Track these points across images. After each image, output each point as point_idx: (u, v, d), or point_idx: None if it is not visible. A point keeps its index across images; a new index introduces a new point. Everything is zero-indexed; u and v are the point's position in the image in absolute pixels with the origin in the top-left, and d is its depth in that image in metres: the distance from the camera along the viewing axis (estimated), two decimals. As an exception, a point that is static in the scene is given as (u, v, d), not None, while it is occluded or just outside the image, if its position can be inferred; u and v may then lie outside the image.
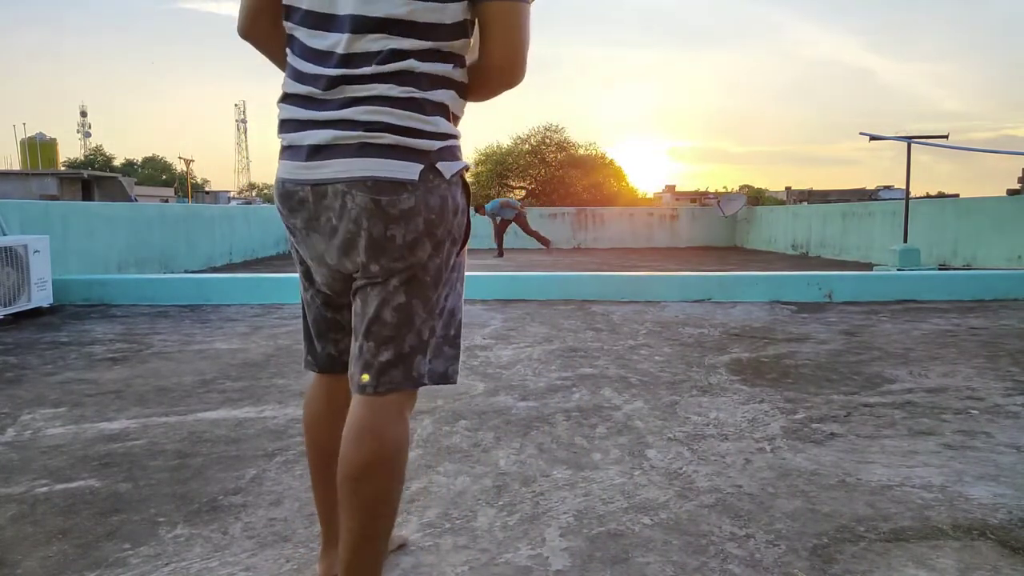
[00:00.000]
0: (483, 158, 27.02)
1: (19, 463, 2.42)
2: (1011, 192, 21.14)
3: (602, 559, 1.75)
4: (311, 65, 1.31)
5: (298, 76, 1.33)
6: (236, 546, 1.83)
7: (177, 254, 10.62)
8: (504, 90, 1.37)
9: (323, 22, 1.30)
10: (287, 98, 1.36)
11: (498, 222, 13.77)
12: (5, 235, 6.06)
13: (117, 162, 57.10)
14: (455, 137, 1.35)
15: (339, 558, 1.35)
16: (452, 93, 1.33)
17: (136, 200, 25.01)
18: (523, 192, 26.60)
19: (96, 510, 2.04)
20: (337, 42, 1.28)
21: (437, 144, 1.30)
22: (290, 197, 1.35)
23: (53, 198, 18.85)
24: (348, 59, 1.28)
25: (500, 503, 2.08)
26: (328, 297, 1.47)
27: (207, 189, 55.06)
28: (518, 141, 27.34)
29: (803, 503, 2.07)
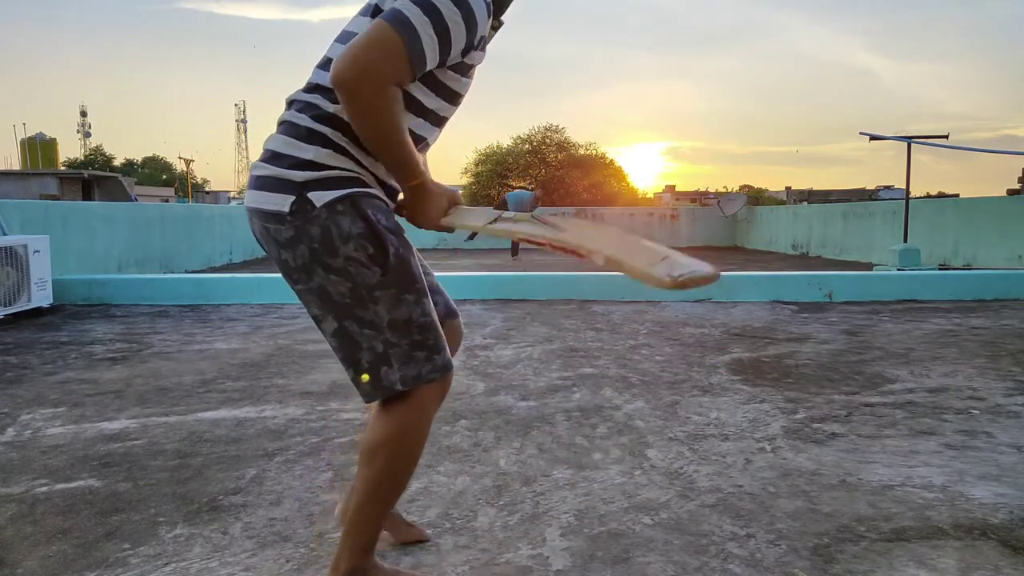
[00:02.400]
0: (483, 158, 27.01)
1: (19, 463, 2.42)
2: (1011, 192, 21.12)
3: (603, 559, 1.75)
4: None
5: None
6: (236, 546, 1.83)
7: (177, 254, 10.61)
8: (345, 105, 1.30)
9: None
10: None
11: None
12: (5, 235, 6.05)
13: (117, 162, 57.07)
14: (340, 168, 1.37)
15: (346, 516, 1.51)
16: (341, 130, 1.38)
17: (136, 200, 25.01)
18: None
19: (96, 510, 2.04)
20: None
21: (310, 175, 1.34)
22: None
23: (53, 198, 18.85)
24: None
25: (500, 503, 2.08)
26: None
27: (207, 189, 55.06)
28: (518, 141, 27.33)
29: (804, 503, 2.07)
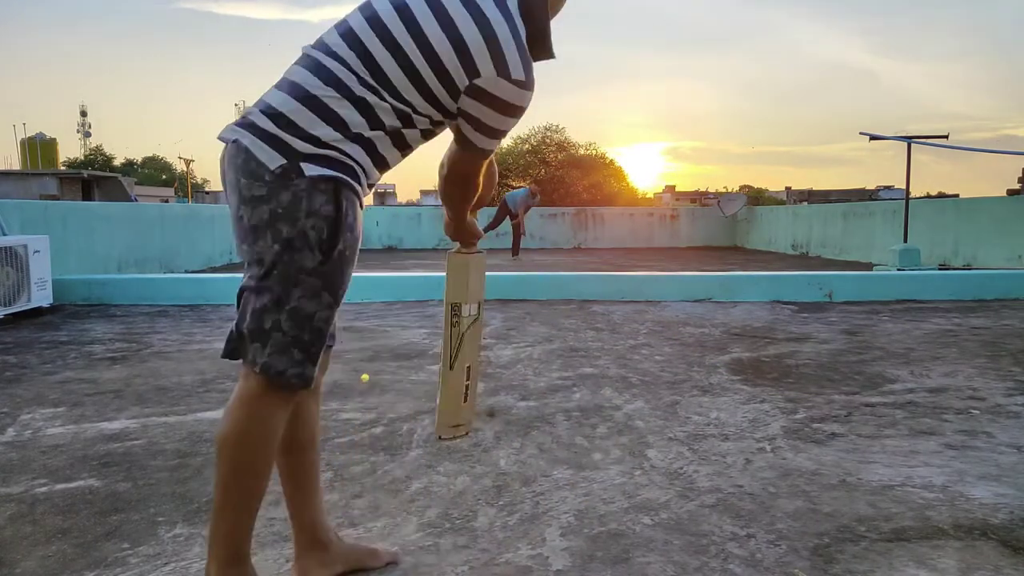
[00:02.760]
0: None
1: (19, 463, 2.42)
2: (1011, 192, 21.13)
3: (603, 559, 1.75)
4: None
5: None
6: (236, 546, 1.82)
7: (177, 254, 10.61)
8: (447, 187, 1.58)
9: None
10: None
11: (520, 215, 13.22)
12: (5, 235, 6.05)
13: (117, 162, 57.02)
14: (341, 152, 1.34)
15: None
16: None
17: (136, 200, 25.01)
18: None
19: (96, 510, 2.04)
20: None
21: (312, 149, 1.32)
22: None
23: (53, 198, 18.85)
24: None
25: (500, 503, 2.08)
26: None
27: (207, 189, 55.04)
28: (518, 141, 27.33)
29: (804, 503, 2.07)
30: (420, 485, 2.20)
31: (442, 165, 1.55)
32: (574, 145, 27.75)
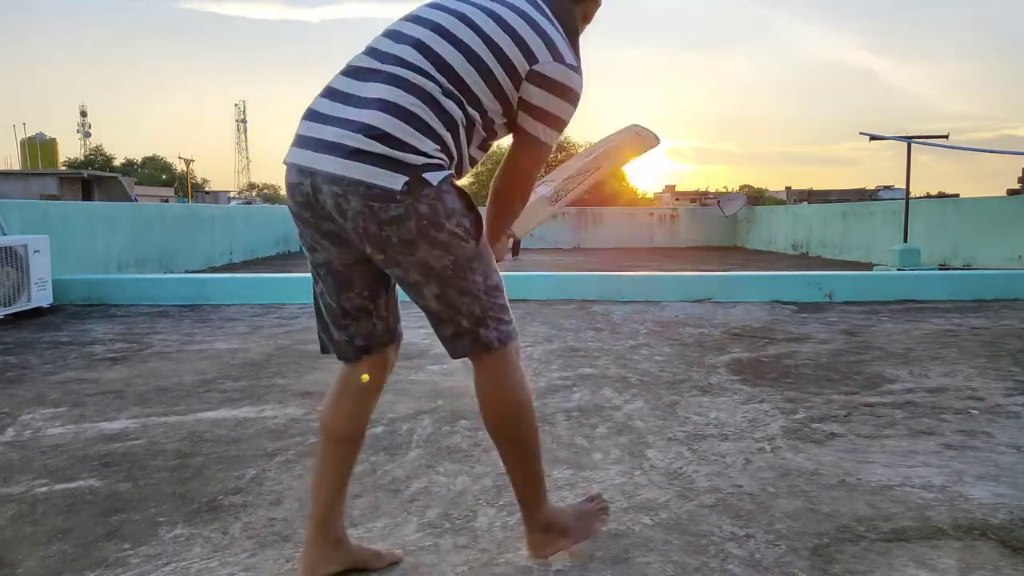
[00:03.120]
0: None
1: (19, 463, 2.42)
2: (1011, 192, 21.12)
3: (602, 559, 1.75)
4: None
5: None
6: (236, 546, 1.83)
7: (177, 254, 10.62)
8: (506, 193, 1.68)
9: None
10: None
11: None
12: (5, 235, 6.06)
13: (117, 162, 57.02)
14: (447, 158, 1.47)
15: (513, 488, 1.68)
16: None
17: (136, 200, 25.01)
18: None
19: (96, 510, 2.04)
20: None
21: (425, 160, 1.41)
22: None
23: (53, 198, 18.85)
24: None
25: (500, 503, 2.08)
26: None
27: (207, 189, 55.03)
28: (518, 141, 27.33)
29: (803, 503, 2.07)
30: (420, 485, 2.20)
31: (496, 177, 1.65)
32: (574, 145, 27.73)
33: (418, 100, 1.42)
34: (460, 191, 1.50)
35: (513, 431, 1.61)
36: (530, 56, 1.48)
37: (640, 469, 2.34)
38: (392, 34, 1.52)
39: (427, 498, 2.11)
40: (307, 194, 1.44)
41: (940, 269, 9.43)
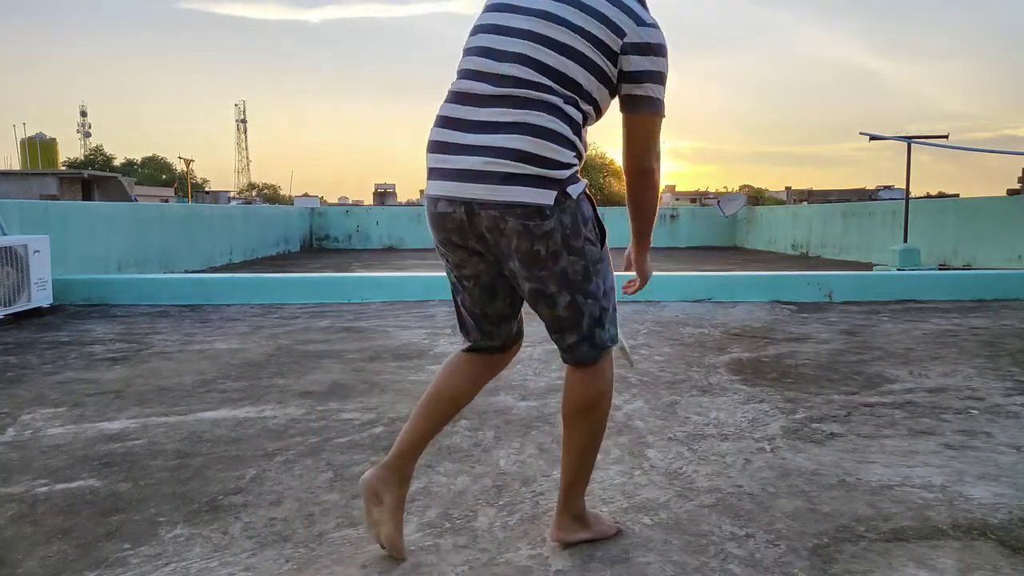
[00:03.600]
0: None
1: (19, 463, 2.42)
2: (1011, 192, 21.13)
3: (602, 559, 1.75)
4: None
5: None
6: (236, 546, 1.83)
7: (177, 254, 10.61)
8: (639, 185, 1.76)
9: None
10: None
11: None
12: (5, 235, 6.06)
13: (117, 162, 57.00)
14: (577, 166, 1.62)
15: (562, 471, 1.83)
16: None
17: (136, 200, 25.01)
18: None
19: (96, 510, 2.04)
20: None
21: (567, 173, 1.56)
22: None
23: (53, 198, 18.85)
24: None
25: (500, 503, 2.08)
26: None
27: (207, 189, 55.02)
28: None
29: (803, 503, 2.07)
30: (420, 485, 2.20)
31: (629, 161, 1.68)
32: (574, 145, 27.76)
33: (548, 115, 1.53)
34: (591, 198, 1.64)
35: (595, 423, 1.77)
36: (618, 31, 1.55)
37: (640, 469, 2.34)
38: (488, 52, 1.58)
39: (427, 498, 2.12)
40: (460, 220, 1.57)
41: (940, 269, 9.43)
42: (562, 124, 1.54)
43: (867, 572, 1.68)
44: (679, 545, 1.82)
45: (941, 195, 39.09)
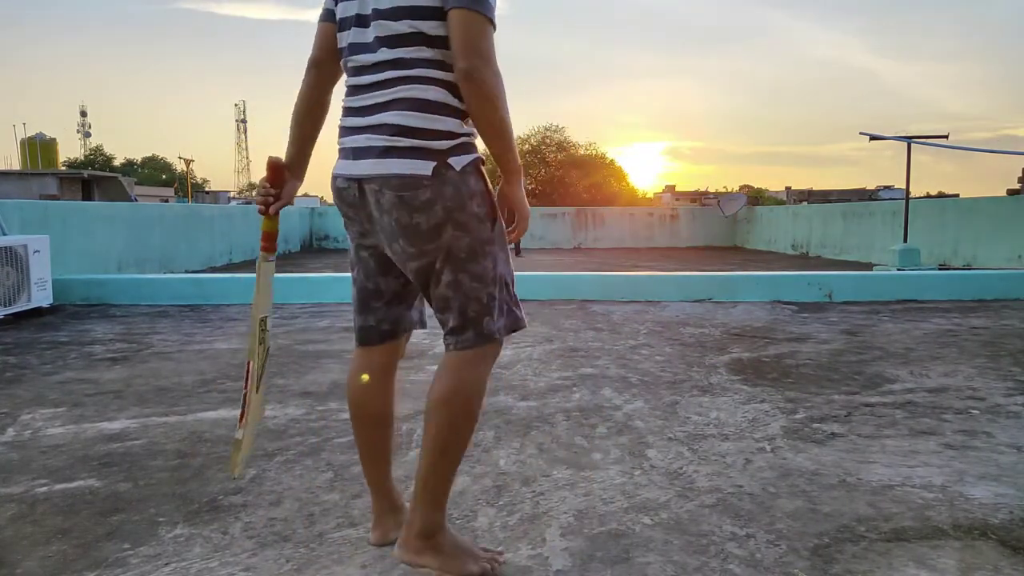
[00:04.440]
0: (483, 158, 27.04)
1: (19, 463, 2.42)
2: (1011, 192, 21.13)
3: (602, 559, 1.75)
4: None
5: None
6: (236, 546, 1.83)
7: (177, 254, 10.61)
8: (476, 97, 1.53)
9: None
10: None
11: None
12: (5, 235, 6.05)
13: (117, 162, 57.03)
14: (466, 135, 1.57)
15: (416, 474, 1.64)
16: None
17: (136, 200, 25.01)
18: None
19: (96, 510, 2.04)
20: None
21: (450, 143, 1.53)
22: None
23: (53, 198, 18.85)
24: None
25: (500, 503, 2.08)
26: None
27: (207, 189, 55.02)
28: (518, 141, 27.34)
29: (804, 503, 2.07)
30: (420, 485, 2.20)
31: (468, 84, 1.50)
32: (574, 145, 27.78)
33: (422, 86, 1.51)
34: (482, 174, 1.59)
35: (459, 420, 1.61)
36: None
37: (640, 469, 2.34)
38: (355, 48, 1.59)
39: (427, 498, 2.11)
40: (355, 197, 1.59)
41: (940, 269, 9.43)
42: (440, 91, 1.53)
43: (868, 572, 1.68)
44: (679, 545, 1.82)
45: (941, 195, 39.10)
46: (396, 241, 1.57)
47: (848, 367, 3.80)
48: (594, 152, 28.13)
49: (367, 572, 1.69)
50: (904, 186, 9.60)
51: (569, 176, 26.02)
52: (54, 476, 2.30)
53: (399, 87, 1.52)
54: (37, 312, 5.70)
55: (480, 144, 1.61)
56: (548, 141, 27.53)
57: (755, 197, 29.89)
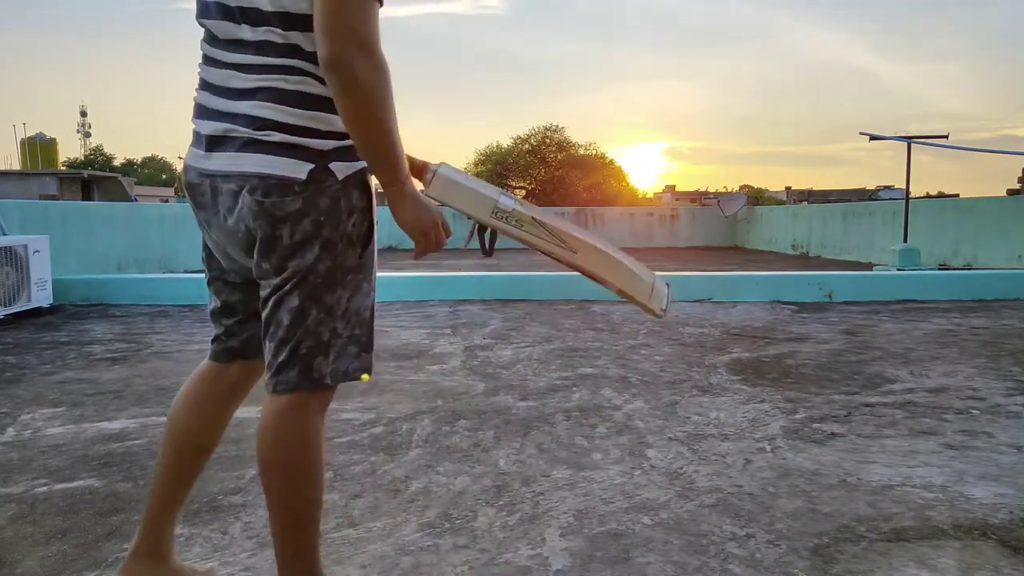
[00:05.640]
0: (483, 158, 27.04)
1: (19, 463, 2.42)
2: (1011, 192, 21.13)
3: (602, 559, 1.75)
4: None
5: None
6: (236, 546, 1.83)
7: (177, 254, 10.61)
8: (338, 85, 1.20)
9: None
10: None
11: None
12: (5, 235, 6.06)
13: (117, 162, 57.05)
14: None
15: (273, 543, 1.37)
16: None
17: (136, 200, 25.01)
18: (523, 192, 26.61)
19: (96, 510, 2.04)
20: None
21: (335, 143, 1.25)
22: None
23: (53, 198, 18.84)
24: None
25: (500, 503, 2.08)
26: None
27: (207, 189, 54.87)
28: (518, 141, 27.36)
29: (804, 503, 2.07)
30: (420, 485, 2.20)
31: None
32: (574, 145, 27.78)
33: (291, 76, 1.23)
34: (368, 187, 1.31)
35: (302, 484, 1.33)
36: None
37: (640, 469, 2.34)
38: (213, 5, 1.29)
39: (427, 498, 2.11)
40: (207, 195, 1.30)
41: (940, 269, 9.43)
42: (318, 85, 1.23)
43: (868, 572, 1.68)
44: (679, 545, 1.82)
45: (941, 195, 39.11)
46: (248, 253, 1.29)
47: (848, 367, 3.80)
48: (594, 152, 28.14)
49: (367, 572, 1.69)
50: (904, 186, 9.61)
51: (569, 176, 26.02)
52: (54, 476, 2.30)
53: (266, 76, 1.23)
54: (37, 312, 5.70)
55: None
56: (548, 141, 27.53)
57: (755, 197, 29.91)
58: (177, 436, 1.50)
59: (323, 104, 1.24)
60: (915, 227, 10.25)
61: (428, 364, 3.86)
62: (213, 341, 1.49)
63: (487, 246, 13.97)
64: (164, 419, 2.88)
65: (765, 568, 1.70)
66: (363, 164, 1.29)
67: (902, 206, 9.99)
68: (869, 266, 10.23)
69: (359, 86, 1.15)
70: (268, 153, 1.22)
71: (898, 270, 8.32)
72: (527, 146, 27.28)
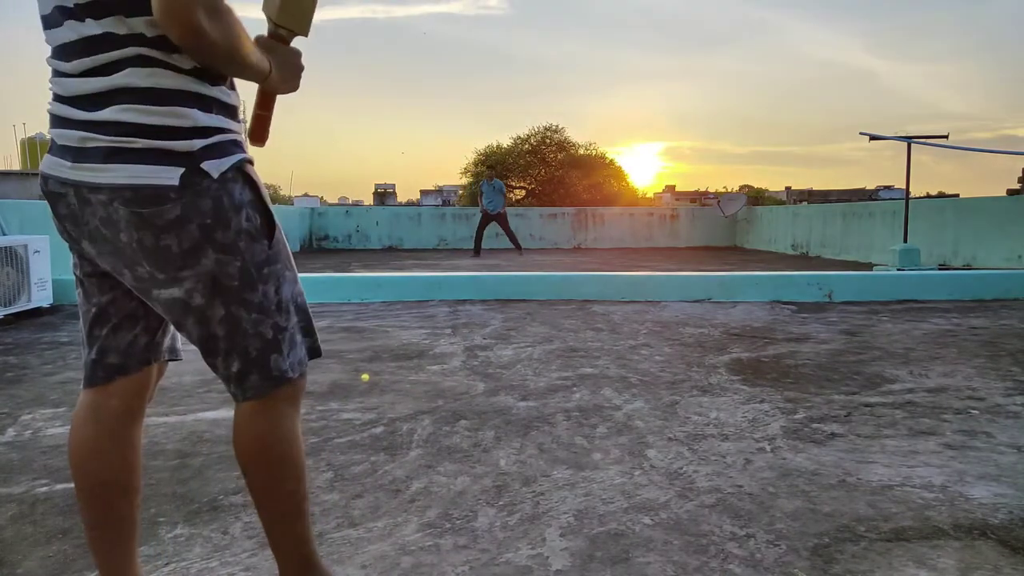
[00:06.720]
0: (483, 158, 27.02)
1: (19, 463, 2.42)
2: (1011, 192, 21.14)
3: (602, 559, 1.75)
4: None
5: None
6: (236, 546, 1.83)
7: (177, 254, 10.60)
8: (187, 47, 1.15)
9: None
10: None
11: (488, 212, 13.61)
12: (5, 235, 6.05)
13: (117, 162, 57.02)
14: (222, 131, 1.24)
15: (269, 545, 1.41)
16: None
17: (136, 200, 24.96)
18: (523, 192, 26.61)
19: (96, 510, 2.04)
20: None
21: (203, 142, 1.20)
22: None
23: (53, 198, 18.82)
24: None
25: (500, 503, 2.08)
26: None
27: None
28: (518, 141, 27.33)
29: (804, 503, 2.07)
30: (420, 485, 2.20)
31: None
32: (574, 145, 27.75)
33: (147, 68, 1.16)
34: (250, 178, 1.27)
35: (285, 477, 1.35)
36: None
37: (640, 469, 2.34)
38: (53, 14, 1.21)
39: (427, 498, 2.11)
40: (72, 206, 1.22)
41: (940, 269, 9.43)
42: (173, 75, 1.17)
43: (868, 572, 1.68)
44: (679, 545, 1.82)
45: (941, 195, 39.13)
46: (139, 265, 1.22)
47: (848, 367, 3.80)
48: (594, 152, 28.10)
49: (367, 572, 1.69)
50: (904, 186, 9.60)
51: (569, 176, 26.00)
52: (54, 476, 2.30)
53: (115, 75, 1.16)
54: (37, 312, 5.70)
55: (245, 140, 1.33)
56: (548, 141, 27.50)
57: (755, 197, 29.88)
58: (96, 489, 1.38)
59: (179, 98, 1.18)
60: (915, 227, 10.25)
61: (428, 364, 3.86)
62: (87, 366, 1.41)
63: (478, 246, 13.99)
64: (164, 419, 2.89)
65: (765, 568, 1.70)
66: (238, 157, 1.25)
67: (902, 206, 9.99)
68: (869, 266, 10.23)
69: (218, 49, 1.13)
70: (134, 162, 1.16)
71: (898, 270, 8.32)
72: (527, 146, 27.25)
